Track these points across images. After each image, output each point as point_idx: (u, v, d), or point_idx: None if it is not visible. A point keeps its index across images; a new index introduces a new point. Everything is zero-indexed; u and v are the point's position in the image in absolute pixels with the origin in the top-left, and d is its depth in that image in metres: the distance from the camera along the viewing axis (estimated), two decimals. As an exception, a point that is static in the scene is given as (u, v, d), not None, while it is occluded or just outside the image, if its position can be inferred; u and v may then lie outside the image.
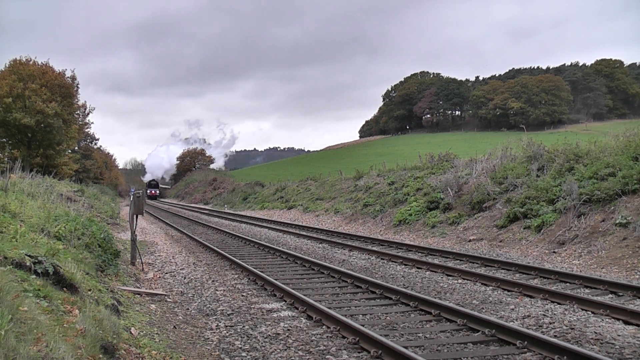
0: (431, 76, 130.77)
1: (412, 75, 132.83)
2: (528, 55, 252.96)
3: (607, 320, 6.54)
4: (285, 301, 7.79)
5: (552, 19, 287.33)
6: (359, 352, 5.43)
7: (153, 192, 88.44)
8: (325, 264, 10.69)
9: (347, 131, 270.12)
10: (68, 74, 34.12)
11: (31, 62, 32.31)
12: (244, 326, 6.47)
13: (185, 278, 9.94)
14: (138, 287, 8.67)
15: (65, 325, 3.79)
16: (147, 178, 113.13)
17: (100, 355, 3.68)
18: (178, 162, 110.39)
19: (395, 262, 11.70)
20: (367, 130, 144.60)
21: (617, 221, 11.29)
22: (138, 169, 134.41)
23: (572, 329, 6.14)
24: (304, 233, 18.83)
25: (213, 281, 9.59)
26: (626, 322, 6.39)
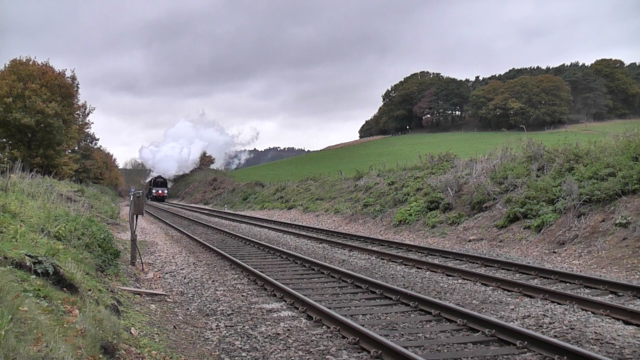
0: (431, 76, 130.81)
1: (412, 75, 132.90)
2: (540, 55, 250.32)
3: (607, 320, 6.54)
4: (285, 301, 7.78)
5: (566, 17, 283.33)
6: (359, 352, 5.42)
7: (160, 192, 70.81)
8: (325, 264, 10.68)
9: (352, 131, 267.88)
10: (68, 74, 34.16)
11: (31, 62, 32.31)
12: (244, 326, 6.47)
13: (185, 278, 9.94)
14: (138, 287, 8.67)
15: (65, 325, 3.79)
16: (151, 176, 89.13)
17: (100, 355, 3.68)
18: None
19: (395, 262, 11.70)
20: (367, 130, 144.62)
21: (617, 221, 11.29)
22: (138, 169, 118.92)
23: (572, 329, 6.14)
24: (304, 233, 18.83)
25: (213, 281, 9.58)
26: (626, 322, 6.39)
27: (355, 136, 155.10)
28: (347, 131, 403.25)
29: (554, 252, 11.77)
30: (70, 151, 43.98)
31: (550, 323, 6.41)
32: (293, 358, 5.27)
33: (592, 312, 6.88)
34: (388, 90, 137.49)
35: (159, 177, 76.55)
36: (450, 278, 9.62)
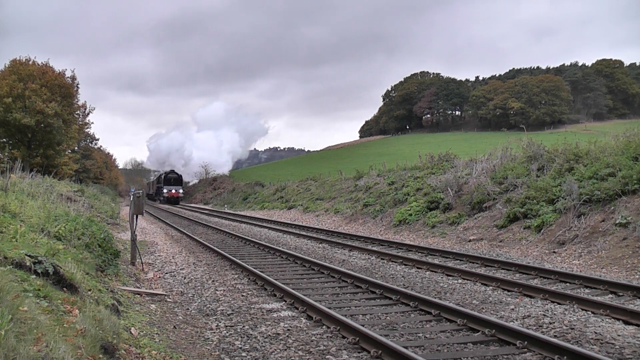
0: (431, 76, 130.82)
1: (412, 75, 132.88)
2: (548, 54, 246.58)
3: (607, 320, 6.54)
4: (285, 301, 7.78)
5: (578, 16, 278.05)
6: (359, 352, 5.42)
7: (174, 191, 55.56)
8: (325, 264, 10.68)
9: (354, 131, 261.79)
10: (68, 74, 34.15)
11: (31, 62, 32.30)
12: (244, 326, 6.47)
13: (185, 278, 9.94)
14: (138, 287, 8.67)
15: (65, 325, 3.78)
16: (154, 175, 73.24)
17: (100, 355, 3.68)
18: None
19: (395, 262, 11.70)
20: (367, 130, 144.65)
21: (617, 221, 11.28)
22: (138, 169, 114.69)
23: (572, 329, 6.14)
24: (304, 233, 18.83)
25: (213, 281, 9.58)
26: (626, 322, 6.39)
27: (356, 136, 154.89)
28: (351, 131, 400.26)
29: (554, 252, 11.77)
30: (70, 151, 43.94)
31: (550, 323, 6.41)
32: (293, 358, 5.27)
33: (592, 312, 6.87)
34: (388, 90, 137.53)
35: (172, 172, 60.03)
36: (450, 278, 9.62)
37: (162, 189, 57.09)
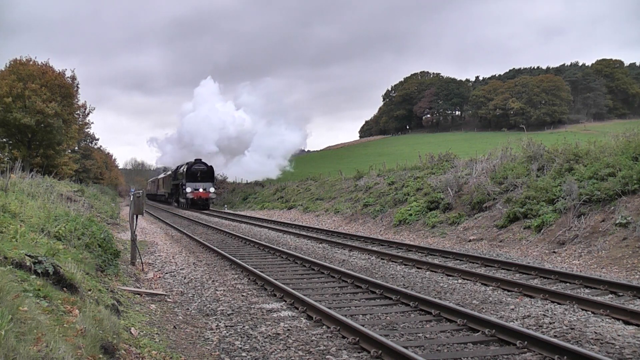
0: (431, 76, 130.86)
1: (412, 75, 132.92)
2: (557, 53, 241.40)
3: (607, 320, 6.54)
4: (285, 301, 7.78)
5: (590, 16, 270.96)
6: (359, 352, 5.42)
7: (202, 191, 39.05)
8: (325, 264, 10.68)
9: (354, 131, 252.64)
10: (68, 74, 34.15)
11: (31, 62, 32.31)
12: (244, 326, 6.47)
13: (185, 278, 9.94)
14: (138, 287, 8.67)
15: (65, 325, 3.79)
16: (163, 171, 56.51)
17: (100, 355, 3.68)
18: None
19: (395, 262, 11.69)
20: (367, 130, 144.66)
21: (617, 221, 11.28)
22: (138, 169, 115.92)
23: (572, 329, 6.14)
24: (304, 233, 18.83)
25: (213, 281, 9.59)
26: (626, 322, 6.39)
27: (356, 136, 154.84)
28: (352, 131, 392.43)
29: (554, 252, 11.77)
30: (70, 151, 43.95)
31: (550, 323, 6.41)
32: (293, 358, 5.27)
33: (592, 312, 6.87)
34: (388, 90, 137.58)
35: (199, 161, 41.51)
36: (450, 278, 9.62)
37: (184, 187, 39.93)
